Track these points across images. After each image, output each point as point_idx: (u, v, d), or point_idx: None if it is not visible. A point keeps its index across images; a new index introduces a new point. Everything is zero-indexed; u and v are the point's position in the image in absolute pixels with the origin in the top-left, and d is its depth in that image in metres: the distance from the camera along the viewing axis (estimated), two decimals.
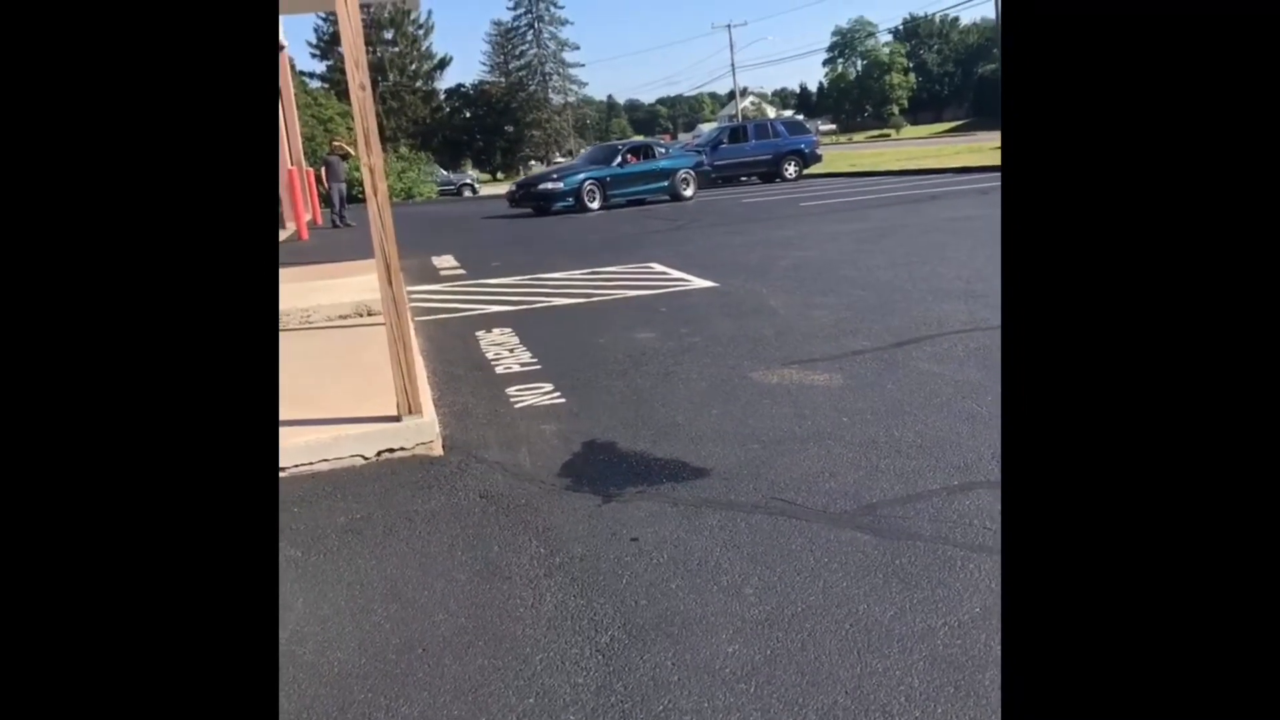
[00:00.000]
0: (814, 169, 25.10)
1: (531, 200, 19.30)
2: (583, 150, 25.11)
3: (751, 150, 24.48)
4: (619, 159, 19.92)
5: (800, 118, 31.45)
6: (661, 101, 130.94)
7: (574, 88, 70.92)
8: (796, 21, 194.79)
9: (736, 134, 25.57)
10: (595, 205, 18.62)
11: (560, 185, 18.85)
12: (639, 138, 30.58)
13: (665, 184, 19.89)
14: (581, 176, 19.01)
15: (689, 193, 20.04)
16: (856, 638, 2.31)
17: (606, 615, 2.50)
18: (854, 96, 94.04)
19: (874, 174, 24.01)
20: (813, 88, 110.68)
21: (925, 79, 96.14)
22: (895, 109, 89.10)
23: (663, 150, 21.89)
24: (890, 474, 3.35)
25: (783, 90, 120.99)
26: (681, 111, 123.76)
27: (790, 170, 24.22)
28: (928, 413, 4.00)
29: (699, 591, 2.59)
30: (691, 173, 20.42)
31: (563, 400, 4.64)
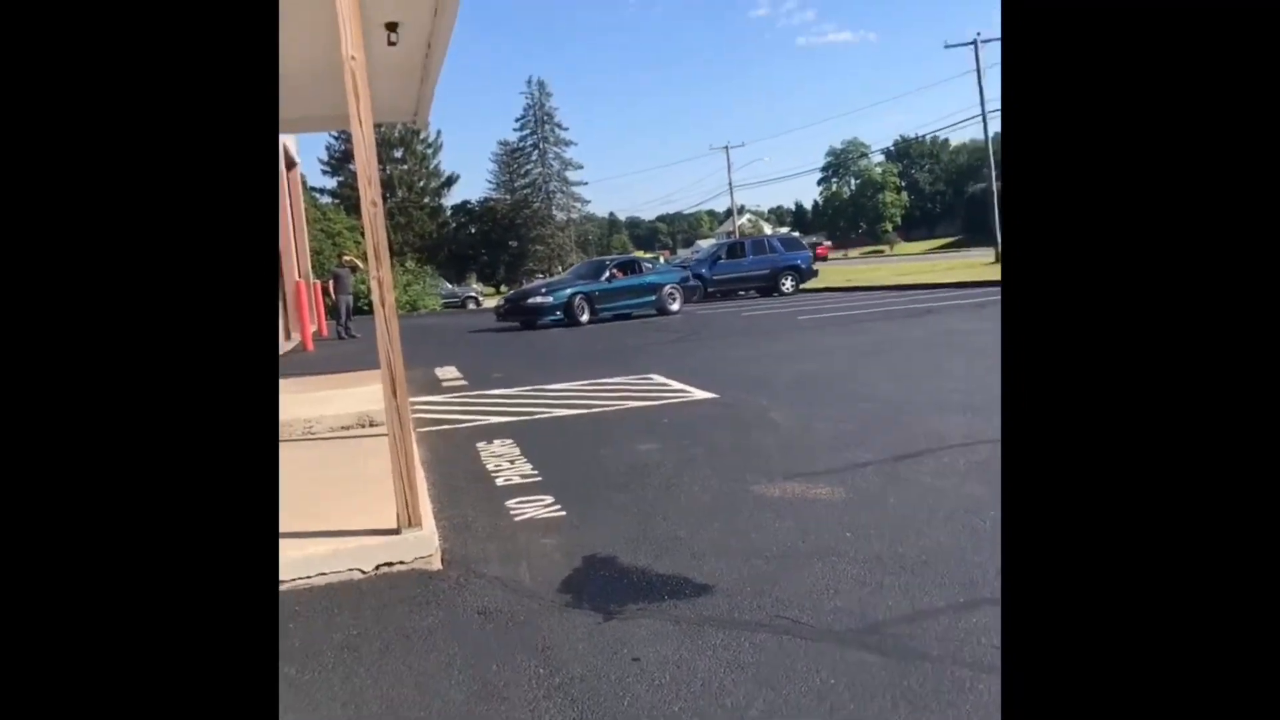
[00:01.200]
0: (810, 284, 25.55)
1: (520, 315, 19.28)
2: (570, 266, 25.34)
3: (749, 265, 24.99)
4: (606, 274, 20.07)
5: (796, 234, 32.19)
6: (661, 218, 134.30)
7: (577, 205, 72.85)
8: (792, 142, 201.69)
9: (734, 249, 26.13)
10: (584, 319, 18.74)
11: (550, 299, 18.92)
12: (626, 254, 31.24)
13: (653, 298, 20.05)
14: (570, 291, 19.09)
15: (675, 307, 20.19)
16: None
17: None
18: (848, 214, 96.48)
19: (869, 289, 24.41)
20: (808, 205, 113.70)
21: (917, 197, 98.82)
22: (889, 226, 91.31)
23: (649, 265, 22.27)
24: (896, 591, 3.30)
25: (778, 208, 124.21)
26: (680, 228, 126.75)
27: (787, 285, 24.66)
28: (931, 528, 3.96)
29: (702, 715, 2.52)
30: (678, 288, 20.62)
31: (563, 513, 4.60)
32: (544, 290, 19.86)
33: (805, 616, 3.13)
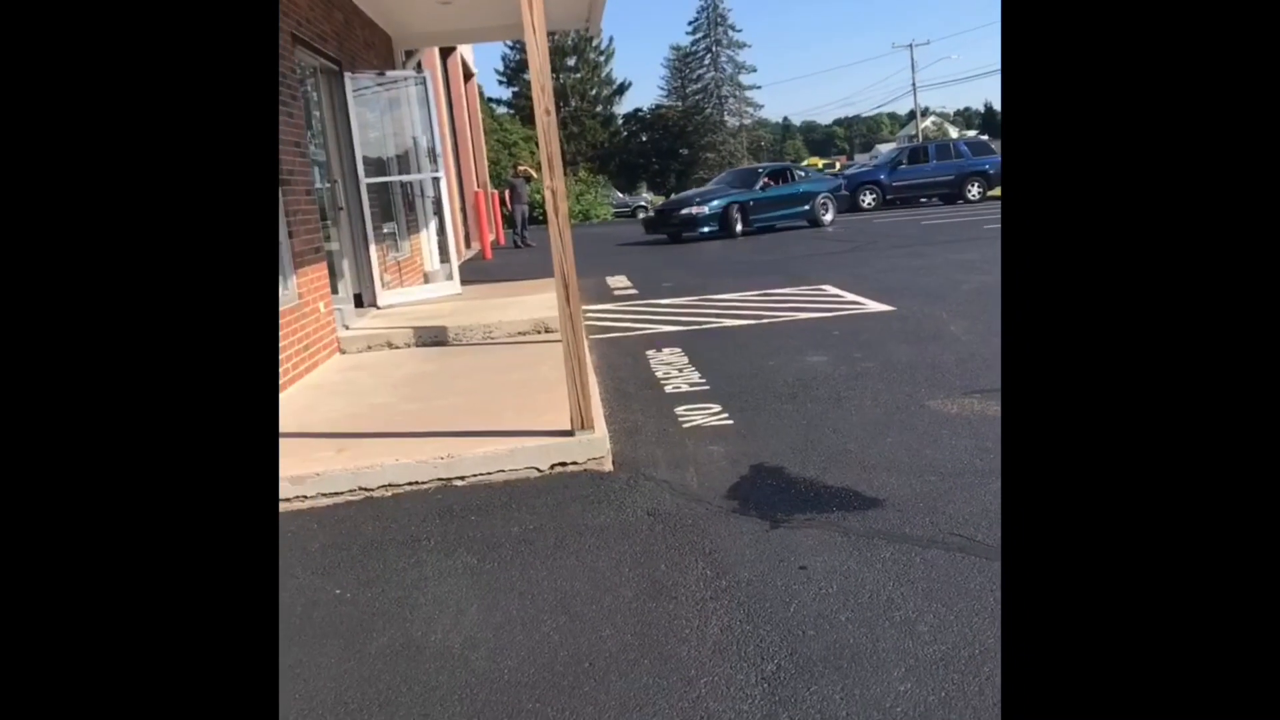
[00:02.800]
0: (999, 190, 24.04)
1: (672, 226, 18.30)
2: (722, 174, 23.46)
3: (932, 171, 23.73)
4: (760, 183, 18.93)
5: (985, 138, 30.11)
6: (838, 122, 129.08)
7: (750, 110, 71.02)
8: (982, 39, 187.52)
9: (916, 154, 24.85)
10: (739, 230, 17.74)
11: (705, 209, 17.88)
12: (778, 162, 29.32)
13: (806, 208, 18.90)
14: (724, 200, 18.08)
15: (829, 218, 19.07)
16: None
17: (773, 643, 2.46)
18: None
19: None
20: (998, 107, 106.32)
21: None
22: None
23: (801, 174, 20.78)
24: None
25: (966, 110, 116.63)
26: (859, 132, 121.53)
27: (974, 192, 23.29)
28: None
29: (870, 625, 2.50)
30: (831, 197, 19.46)
31: (730, 422, 4.62)
32: (697, 200, 18.60)
33: (980, 535, 3.03)
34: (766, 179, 19.15)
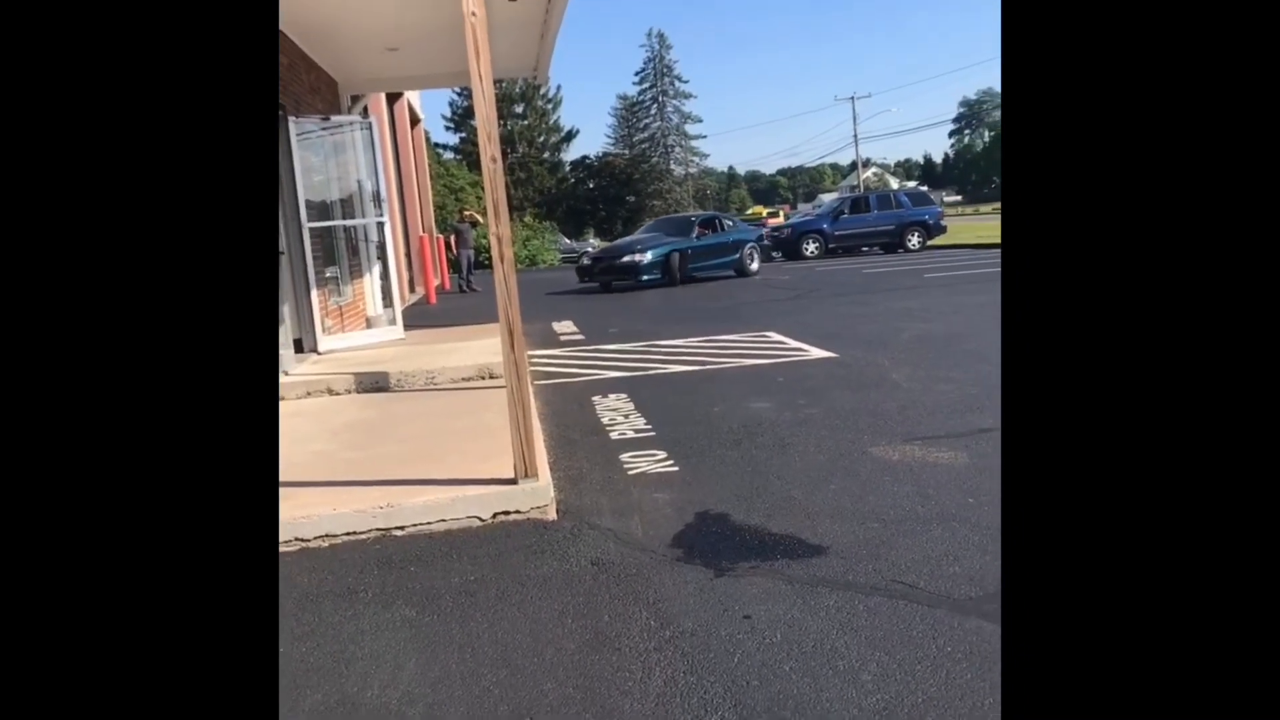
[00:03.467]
0: (939, 240, 24.65)
1: (611, 274, 17.34)
2: (649, 222, 21.91)
3: (874, 220, 24.26)
4: (695, 231, 18.22)
5: (924, 189, 30.90)
6: (782, 172, 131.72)
7: (695, 159, 72.28)
8: (921, 93, 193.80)
9: (858, 204, 25.39)
10: (679, 278, 17.17)
11: (646, 257, 16.99)
12: (707, 211, 28.03)
13: (735, 257, 18.51)
14: (667, 248, 17.32)
15: (755, 266, 18.80)
16: None
17: (716, 695, 2.43)
18: (981, 168, 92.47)
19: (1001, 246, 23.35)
20: (937, 159, 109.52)
21: None
22: None
23: (730, 223, 20.12)
24: None
25: (906, 161, 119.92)
26: (802, 182, 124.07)
27: (914, 241, 23.86)
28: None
29: (813, 675, 2.49)
30: (756, 246, 19.20)
31: (676, 468, 4.61)
32: (639, 247, 17.63)
33: (923, 582, 3.05)
34: (700, 228, 18.61)
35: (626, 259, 17.30)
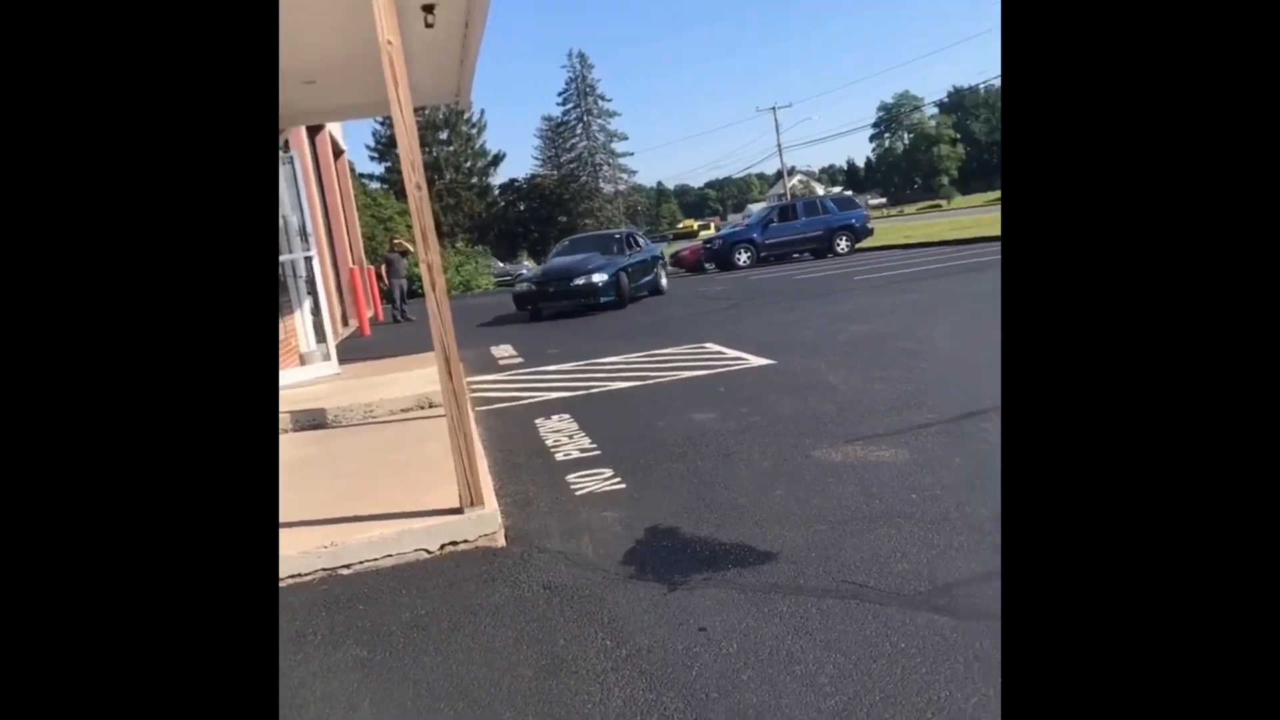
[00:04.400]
0: (866, 243, 25.12)
1: (566, 299, 15.67)
2: (561, 242, 20.16)
3: (803, 227, 24.64)
4: (625, 248, 17.24)
5: (849, 193, 31.49)
6: (710, 184, 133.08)
7: (624, 176, 72.62)
8: (840, 99, 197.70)
9: (786, 212, 25.77)
10: (626, 300, 16.02)
11: (604, 278, 15.60)
12: (624, 229, 26.59)
13: (653, 275, 17.89)
14: (616, 268, 16.07)
15: (665, 283, 18.44)
16: None
17: (676, 710, 2.42)
18: (903, 169, 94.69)
19: (928, 245, 23.91)
20: (860, 163, 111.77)
21: (974, 149, 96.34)
22: (945, 180, 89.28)
23: (641, 240, 19.09)
24: (965, 552, 3.23)
25: (830, 167, 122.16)
26: (730, 193, 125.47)
27: (842, 245, 24.27)
28: (1000, 486, 3.87)
29: (772, 682, 2.50)
30: (664, 262, 19.05)
31: (623, 486, 4.60)
32: (589, 267, 16.00)
33: (872, 580, 3.08)
34: (625, 245, 17.57)
35: (582, 281, 15.60)
